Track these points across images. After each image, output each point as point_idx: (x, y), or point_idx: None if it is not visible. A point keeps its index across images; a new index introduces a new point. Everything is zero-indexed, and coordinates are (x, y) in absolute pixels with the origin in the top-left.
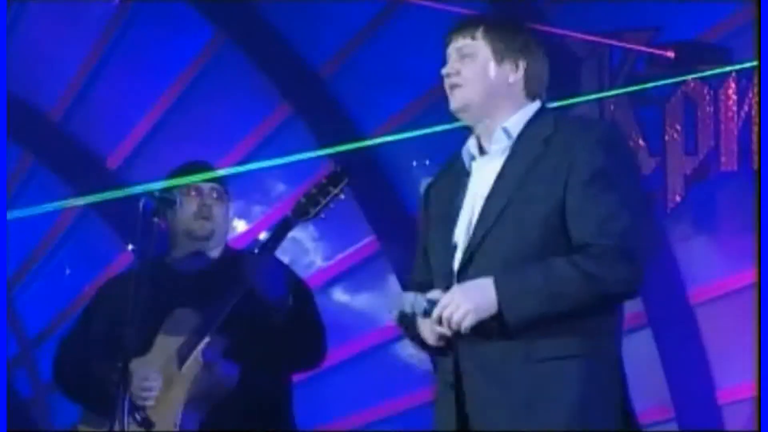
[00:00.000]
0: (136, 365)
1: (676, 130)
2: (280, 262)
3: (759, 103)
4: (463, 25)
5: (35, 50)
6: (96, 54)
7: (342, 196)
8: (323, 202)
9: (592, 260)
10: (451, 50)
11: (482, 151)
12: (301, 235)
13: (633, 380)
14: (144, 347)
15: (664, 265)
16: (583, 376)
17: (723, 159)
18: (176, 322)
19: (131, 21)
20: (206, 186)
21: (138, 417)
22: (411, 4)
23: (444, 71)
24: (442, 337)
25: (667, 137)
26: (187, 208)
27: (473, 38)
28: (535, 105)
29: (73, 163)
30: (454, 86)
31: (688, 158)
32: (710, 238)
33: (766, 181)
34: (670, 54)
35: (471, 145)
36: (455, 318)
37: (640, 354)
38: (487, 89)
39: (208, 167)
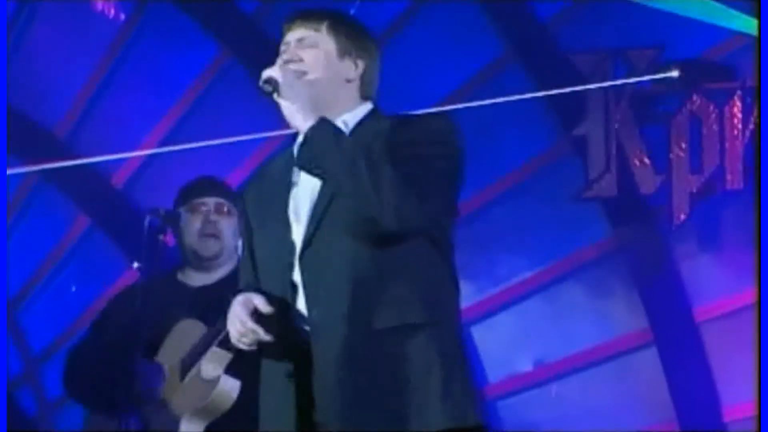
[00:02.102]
0: (138, 378)
1: (682, 149)
2: None
3: (759, 117)
4: (307, 16)
5: (41, 66)
6: (102, 71)
7: None
8: None
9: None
10: (290, 39)
11: None
12: None
13: (638, 398)
14: (150, 359)
15: (670, 282)
16: (425, 345)
17: (728, 177)
18: (180, 333)
19: (137, 38)
20: (211, 201)
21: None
22: (413, 21)
23: (283, 57)
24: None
25: (672, 155)
26: (192, 225)
27: (316, 30)
28: (368, 105)
29: (79, 181)
30: (296, 74)
31: (693, 176)
32: (715, 256)
33: (766, 198)
34: (675, 72)
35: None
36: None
37: (645, 371)
38: (328, 79)
39: (217, 182)
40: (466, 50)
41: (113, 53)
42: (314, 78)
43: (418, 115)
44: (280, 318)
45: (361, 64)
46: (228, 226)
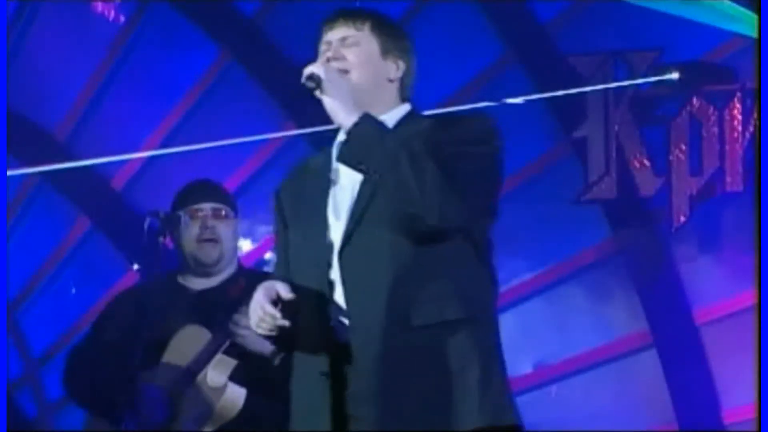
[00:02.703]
0: (143, 380)
1: (681, 150)
2: None
3: (759, 119)
4: (350, 16)
5: (41, 68)
6: (102, 73)
7: None
8: None
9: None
10: (332, 38)
11: None
12: None
13: (638, 400)
14: (152, 363)
15: (669, 284)
16: (463, 343)
17: (728, 179)
18: (185, 339)
19: (137, 40)
20: (208, 206)
21: None
22: (413, 22)
23: (325, 55)
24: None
25: (672, 157)
26: (191, 231)
27: (359, 29)
28: (407, 107)
29: (79, 183)
30: (339, 72)
31: (693, 178)
32: (715, 258)
33: (766, 200)
34: (675, 74)
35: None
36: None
37: (645, 374)
38: (371, 77)
39: (213, 186)
40: (466, 52)
41: (113, 55)
42: (357, 76)
43: (458, 115)
44: (314, 313)
45: (402, 64)
46: (226, 230)
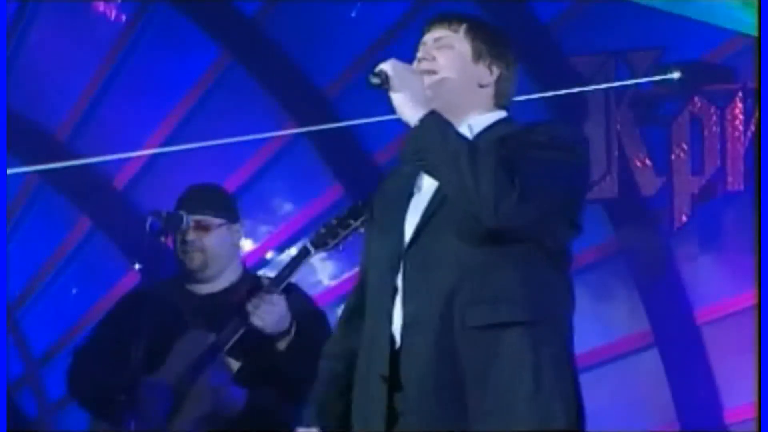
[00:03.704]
0: (146, 383)
1: (683, 150)
2: (291, 291)
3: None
4: (447, 18)
5: (42, 69)
6: (103, 73)
7: (362, 230)
8: (342, 234)
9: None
10: (428, 39)
11: None
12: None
13: (640, 400)
14: (155, 366)
15: (671, 284)
16: (518, 345)
17: (729, 179)
18: (188, 343)
19: (138, 40)
20: (185, 214)
21: None
22: (414, 23)
23: (418, 56)
24: None
25: (673, 157)
26: (177, 239)
27: (455, 31)
28: (501, 113)
29: (80, 183)
30: (427, 72)
31: (694, 178)
32: (717, 257)
33: (767, 200)
34: (676, 74)
35: None
36: None
37: (646, 373)
38: (460, 81)
39: (199, 194)
40: None
41: (114, 55)
42: (445, 78)
43: (547, 121)
44: (378, 316)
45: (496, 70)
46: (211, 240)
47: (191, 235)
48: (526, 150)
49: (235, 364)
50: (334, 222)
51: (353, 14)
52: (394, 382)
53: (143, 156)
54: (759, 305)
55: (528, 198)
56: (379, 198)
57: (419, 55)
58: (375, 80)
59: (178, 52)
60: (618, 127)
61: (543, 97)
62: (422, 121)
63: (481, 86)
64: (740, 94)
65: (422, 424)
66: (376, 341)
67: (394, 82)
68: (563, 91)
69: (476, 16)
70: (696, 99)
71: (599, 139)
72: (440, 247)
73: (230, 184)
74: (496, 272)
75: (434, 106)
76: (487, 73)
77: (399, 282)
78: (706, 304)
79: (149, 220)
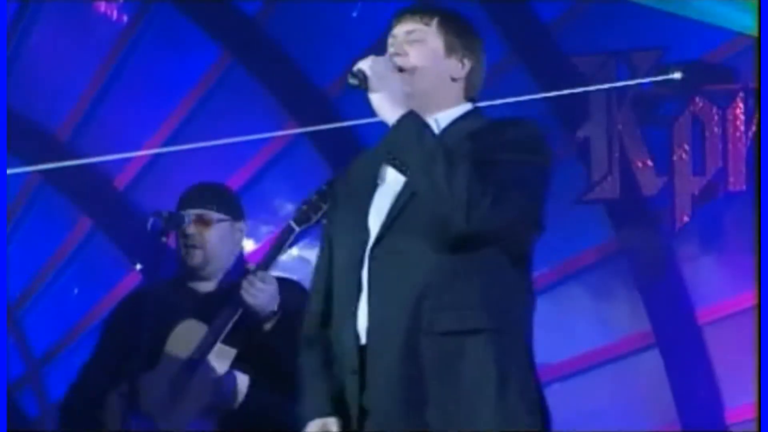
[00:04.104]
0: (144, 381)
1: (684, 150)
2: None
3: (759, 117)
4: (418, 10)
5: (43, 69)
6: (104, 73)
7: None
8: (324, 208)
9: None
10: (399, 32)
11: None
12: (309, 253)
13: (641, 400)
14: (153, 363)
15: (672, 284)
16: (483, 351)
17: (731, 179)
18: (182, 334)
19: (139, 40)
20: (187, 214)
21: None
22: None
23: (389, 51)
24: None
25: (674, 157)
26: (179, 236)
27: (426, 25)
28: (467, 106)
29: (81, 183)
30: (400, 68)
31: (695, 178)
32: (718, 258)
33: (767, 200)
34: (678, 74)
35: None
36: None
37: (648, 374)
38: (433, 75)
39: (200, 191)
40: None
41: (115, 55)
42: (418, 74)
43: (512, 120)
44: (345, 310)
45: (467, 63)
46: (211, 235)
47: (191, 229)
48: (496, 152)
49: (231, 352)
50: (314, 197)
51: (354, 14)
52: (362, 379)
53: (144, 156)
54: (759, 306)
55: (499, 204)
56: (343, 184)
57: (391, 50)
58: (353, 81)
59: (179, 52)
60: (619, 127)
61: (544, 97)
62: (399, 121)
63: (453, 80)
64: (741, 94)
65: (389, 423)
66: (345, 336)
67: (372, 82)
68: (564, 92)
69: (447, 8)
70: (697, 99)
71: (600, 140)
72: (406, 248)
73: (231, 185)
74: (462, 277)
75: (408, 102)
76: (459, 67)
77: (364, 278)
78: (707, 304)
79: (150, 220)
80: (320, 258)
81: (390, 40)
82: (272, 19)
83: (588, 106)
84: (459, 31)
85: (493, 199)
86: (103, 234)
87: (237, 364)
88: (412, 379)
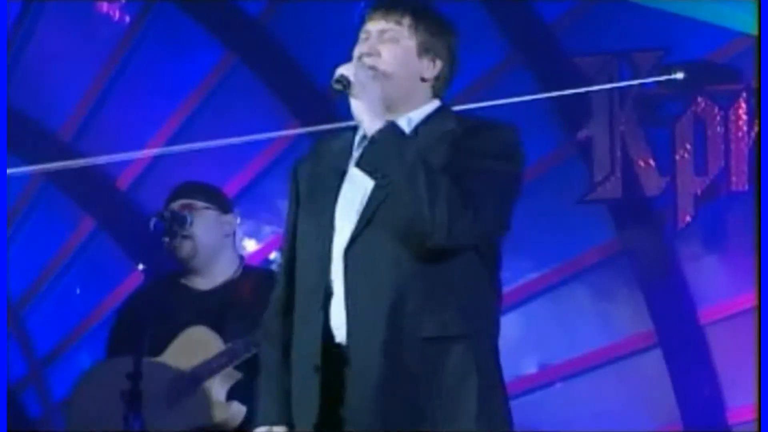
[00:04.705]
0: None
1: (687, 150)
2: None
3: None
4: (391, 8)
5: (45, 69)
6: (106, 73)
7: None
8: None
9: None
10: (372, 29)
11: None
12: None
13: (643, 400)
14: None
15: (674, 285)
16: (463, 358)
17: (733, 179)
18: (192, 341)
19: (141, 40)
20: (175, 205)
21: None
22: None
23: (361, 50)
24: None
25: (677, 157)
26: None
27: (398, 24)
28: (436, 103)
29: (84, 183)
30: (372, 68)
31: (698, 178)
32: (720, 258)
33: (766, 199)
34: (680, 74)
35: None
36: None
37: (650, 374)
38: (404, 77)
39: (186, 184)
40: (470, 52)
41: (118, 55)
42: (389, 75)
43: (486, 123)
44: (312, 305)
45: (439, 63)
46: (199, 225)
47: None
48: (474, 160)
49: (236, 376)
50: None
51: (357, 14)
52: (332, 377)
53: (147, 156)
54: (759, 307)
55: (478, 216)
56: (306, 174)
57: (363, 48)
58: (337, 86)
59: (182, 52)
60: (621, 127)
61: (546, 98)
62: (381, 132)
63: (423, 80)
64: (744, 94)
65: (370, 425)
66: (309, 332)
67: (355, 89)
68: (567, 92)
69: (420, 5)
70: (699, 99)
71: (603, 140)
72: (381, 254)
73: (234, 184)
74: (440, 279)
75: (375, 106)
76: (430, 67)
77: (334, 277)
78: (710, 304)
79: (153, 220)
80: (284, 244)
81: (362, 35)
82: (275, 19)
83: (590, 107)
84: (432, 29)
85: (473, 212)
86: (106, 234)
87: (237, 389)
88: (394, 381)
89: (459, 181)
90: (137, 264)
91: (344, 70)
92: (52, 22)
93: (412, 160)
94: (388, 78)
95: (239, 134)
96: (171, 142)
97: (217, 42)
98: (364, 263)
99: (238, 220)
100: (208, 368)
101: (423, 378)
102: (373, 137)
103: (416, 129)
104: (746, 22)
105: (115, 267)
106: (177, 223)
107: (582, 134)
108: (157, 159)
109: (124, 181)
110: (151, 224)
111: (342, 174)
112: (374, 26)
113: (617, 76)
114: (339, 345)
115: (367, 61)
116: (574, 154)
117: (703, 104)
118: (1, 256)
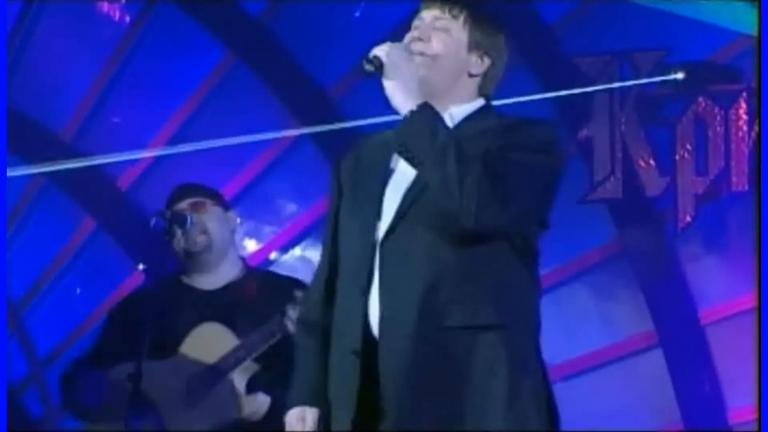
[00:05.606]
0: (154, 374)
1: (687, 150)
2: None
3: (759, 119)
4: (448, 1)
5: (45, 69)
6: (106, 74)
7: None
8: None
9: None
10: (426, 16)
11: None
12: (312, 254)
13: (644, 400)
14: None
15: (675, 285)
16: (494, 348)
17: (734, 179)
18: (204, 338)
19: (142, 40)
20: (185, 203)
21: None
22: None
23: (413, 33)
24: None
25: (677, 157)
26: (177, 230)
27: (454, 17)
28: (481, 101)
29: (84, 183)
30: (420, 53)
31: (698, 178)
32: (721, 258)
33: (766, 200)
34: (680, 74)
35: None
36: None
37: (650, 374)
38: (452, 69)
39: (190, 185)
40: None
41: (118, 55)
42: (437, 64)
43: (525, 119)
44: (354, 295)
45: (487, 60)
46: (211, 220)
47: (195, 217)
48: (508, 151)
49: (254, 367)
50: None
51: (357, 14)
52: (368, 364)
53: (148, 156)
54: (759, 307)
55: (508, 204)
56: (350, 168)
57: (415, 33)
58: (368, 67)
59: (183, 52)
60: (622, 127)
61: (547, 98)
62: (413, 113)
63: (471, 76)
64: (744, 94)
65: (402, 420)
66: (350, 318)
67: (387, 69)
68: (567, 92)
69: (477, 3)
70: (700, 99)
71: (603, 140)
72: (416, 242)
73: (235, 185)
74: (472, 272)
75: (422, 90)
76: (478, 63)
77: (375, 266)
78: (710, 305)
79: (153, 219)
80: (325, 236)
81: (415, 22)
82: (276, 19)
83: (591, 107)
84: (485, 27)
85: (502, 199)
86: (107, 234)
87: (257, 379)
88: (425, 373)
89: (492, 167)
90: (137, 264)
91: (377, 50)
92: (52, 22)
93: (444, 140)
94: (435, 62)
95: (239, 134)
96: (171, 142)
97: (217, 42)
98: (398, 254)
99: (239, 220)
100: (228, 362)
101: (453, 366)
102: (406, 116)
103: (458, 125)
104: (746, 22)
105: (115, 267)
106: (177, 223)
107: (582, 134)
108: (157, 159)
109: (124, 182)
110: (152, 224)
111: (387, 168)
112: (428, 13)
113: (618, 76)
114: (373, 334)
115: (417, 46)
116: (574, 154)
117: (703, 104)
118: (2, 257)
